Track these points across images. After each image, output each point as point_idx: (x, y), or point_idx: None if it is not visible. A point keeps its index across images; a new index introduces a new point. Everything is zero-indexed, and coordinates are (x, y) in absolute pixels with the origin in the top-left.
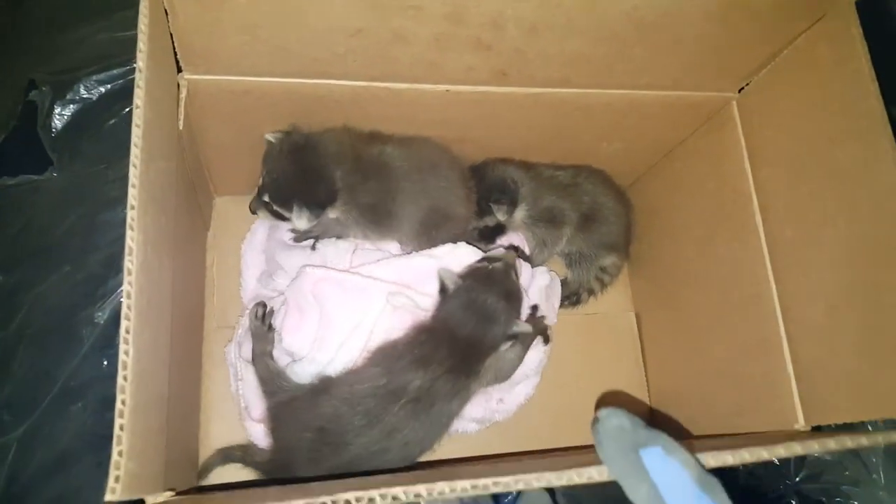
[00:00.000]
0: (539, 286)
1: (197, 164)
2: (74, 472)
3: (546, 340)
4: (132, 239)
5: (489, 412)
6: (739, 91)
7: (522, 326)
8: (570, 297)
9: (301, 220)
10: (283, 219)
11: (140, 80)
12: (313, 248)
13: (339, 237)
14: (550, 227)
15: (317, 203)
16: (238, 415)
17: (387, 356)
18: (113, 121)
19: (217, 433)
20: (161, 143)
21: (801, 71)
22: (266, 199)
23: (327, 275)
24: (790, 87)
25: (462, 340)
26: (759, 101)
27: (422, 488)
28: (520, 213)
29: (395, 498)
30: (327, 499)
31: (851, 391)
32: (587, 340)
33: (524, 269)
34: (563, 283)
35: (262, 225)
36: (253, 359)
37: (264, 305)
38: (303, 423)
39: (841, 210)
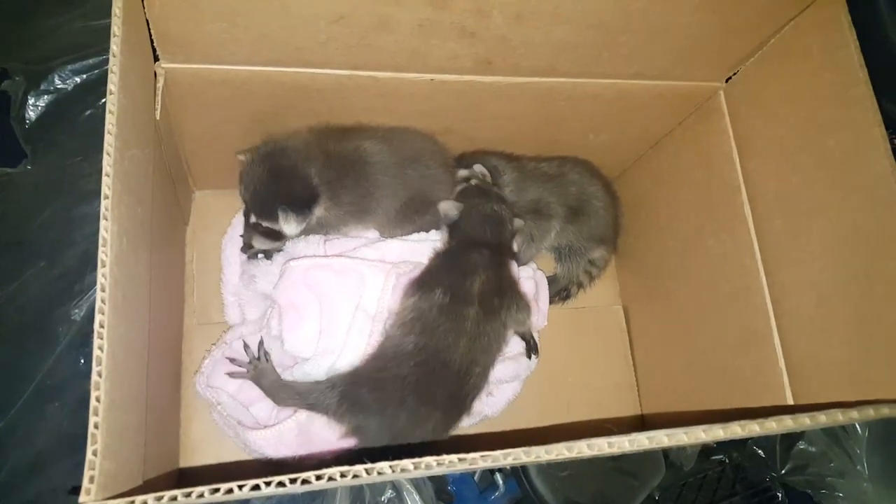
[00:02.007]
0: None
1: (175, 156)
2: (51, 474)
3: (533, 352)
4: (106, 229)
5: (479, 405)
6: (727, 81)
7: (517, 223)
8: (560, 292)
9: (290, 226)
10: (279, 238)
11: (114, 65)
12: (268, 256)
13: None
14: (537, 219)
15: (301, 203)
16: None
17: (434, 280)
18: (89, 112)
19: (198, 431)
20: (136, 131)
21: (790, 59)
22: (253, 219)
23: (315, 262)
24: (778, 76)
25: (486, 246)
26: (746, 90)
27: (408, 463)
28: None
29: (380, 472)
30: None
31: (843, 382)
32: (575, 334)
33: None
34: (552, 279)
35: (241, 222)
36: (272, 397)
37: (260, 343)
38: (396, 374)
39: (831, 200)
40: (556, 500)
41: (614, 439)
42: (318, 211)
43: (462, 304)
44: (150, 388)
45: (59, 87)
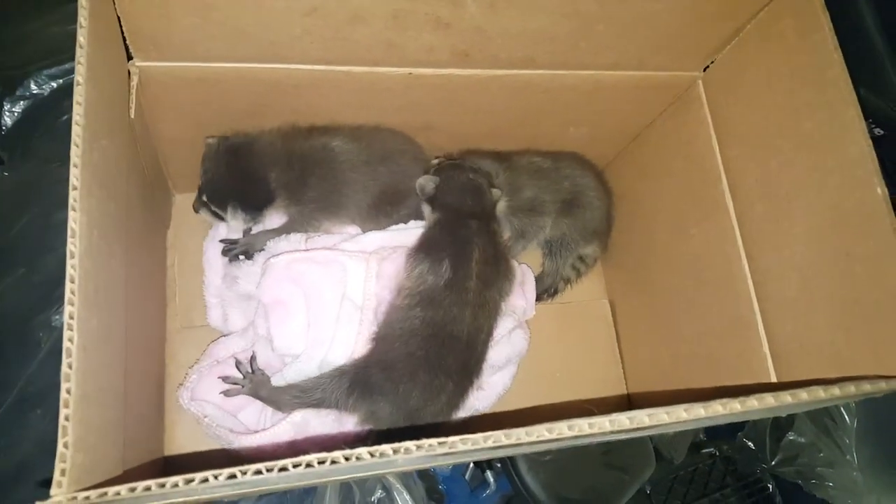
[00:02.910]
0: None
1: (153, 159)
2: (33, 482)
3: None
4: (74, 220)
5: (470, 399)
6: (704, 70)
7: (495, 192)
8: (548, 289)
9: (237, 221)
10: (222, 218)
11: (81, 56)
12: (249, 256)
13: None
14: (531, 216)
15: (253, 205)
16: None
17: (430, 256)
18: (65, 117)
19: (182, 436)
20: (108, 125)
21: (765, 45)
22: (204, 198)
23: (296, 256)
24: (755, 63)
25: (472, 216)
26: (724, 78)
27: (387, 448)
28: (500, 206)
29: (358, 458)
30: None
31: (826, 364)
32: (562, 329)
33: None
34: (539, 277)
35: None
36: (273, 404)
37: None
38: (405, 352)
39: (810, 182)
40: (547, 496)
41: (595, 420)
42: (275, 210)
43: (464, 277)
44: (130, 389)
45: (35, 92)
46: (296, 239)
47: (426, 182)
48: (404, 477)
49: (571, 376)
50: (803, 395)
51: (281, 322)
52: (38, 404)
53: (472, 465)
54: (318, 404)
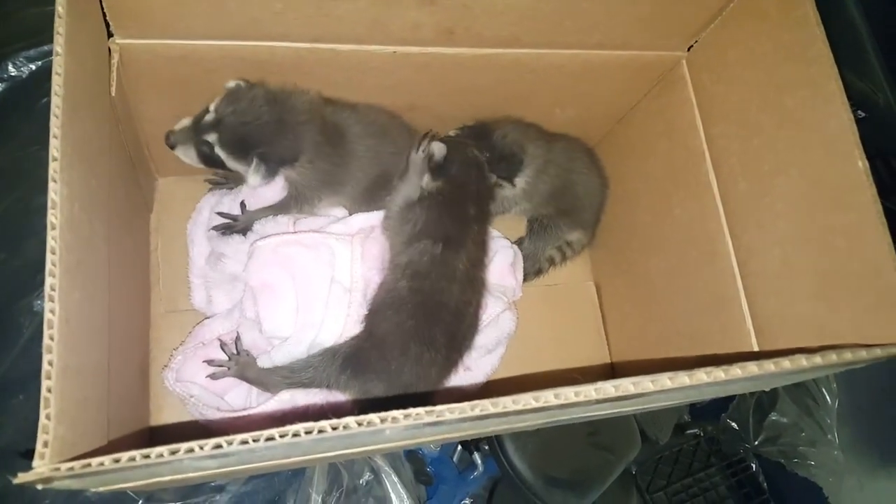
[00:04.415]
0: (503, 265)
1: (136, 141)
2: (17, 468)
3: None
4: (55, 192)
5: (457, 381)
6: (688, 50)
7: (491, 176)
8: (533, 267)
9: (255, 177)
10: (214, 165)
11: (60, 26)
12: (244, 233)
13: (274, 215)
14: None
15: (277, 160)
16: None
17: (421, 233)
18: (45, 100)
19: (168, 421)
20: (88, 98)
21: (748, 23)
22: (209, 139)
23: (283, 239)
24: (738, 41)
25: (475, 193)
26: (707, 57)
27: (374, 417)
28: (519, 185)
29: (345, 427)
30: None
31: (809, 337)
32: (548, 312)
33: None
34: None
35: (207, 203)
36: (261, 385)
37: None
38: (395, 322)
39: (792, 158)
40: (534, 476)
41: (581, 388)
42: (289, 172)
43: (453, 257)
44: (115, 369)
45: (13, 74)
46: (283, 221)
47: (439, 148)
48: (392, 459)
49: (558, 358)
50: (786, 363)
51: (270, 305)
52: (21, 390)
53: (459, 447)
54: (307, 384)
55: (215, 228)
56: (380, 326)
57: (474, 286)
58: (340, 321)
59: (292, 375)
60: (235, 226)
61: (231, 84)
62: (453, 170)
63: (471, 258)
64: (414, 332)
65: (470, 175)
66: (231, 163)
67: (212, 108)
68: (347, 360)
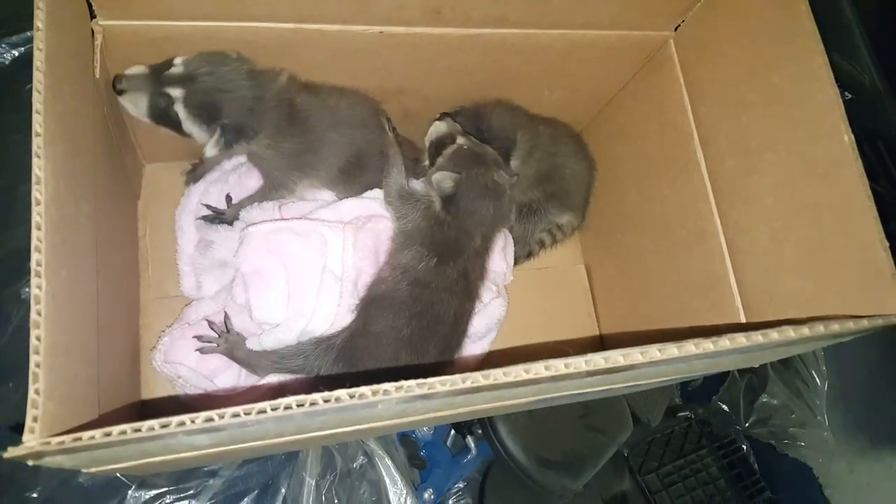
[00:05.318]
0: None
1: (122, 127)
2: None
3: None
4: (39, 168)
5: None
6: (676, 29)
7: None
8: (524, 250)
9: (213, 147)
10: (162, 122)
11: (40, 1)
12: (230, 223)
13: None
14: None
15: (238, 132)
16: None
17: (417, 240)
18: (28, 86)
19: (160, 407)
20: (71, 77)
21: (734, 0)
22: (173, 93)
23: (275, 226)
24: (724, 18)
25: (486, 226)
26: (695, 36)
27: (366, 390)
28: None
29: (337, 400)
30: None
31: (797, 312)
32: (539, 295)
33: None
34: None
35: (196, 188)
36: (249, 367)
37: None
38: (391, 325)
39: (779, 134)
40: (527, 458)
41: (571, 360)
42: (249, 147)
43: (452, 270)
44: (104, 352)
45: None
46: (269, 207)
47: (443, 179)
48: (386, 443)
49: (548, 339)
50: (774, 335)
51: (260, 293)
52: (9, 377)
53: (453, 431)
54: (297, 371)
55: (203, 219)
56: (376, 323)
57: (471, 294)
58: (332, 311)
59: (282, 361)
60: (223, 218)
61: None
62: (467, 204)
63: (471, 270)
64: (408, 342)
65: (488, 208)
66: (189, 125)
67: (179, 60)
68: (342, 353)
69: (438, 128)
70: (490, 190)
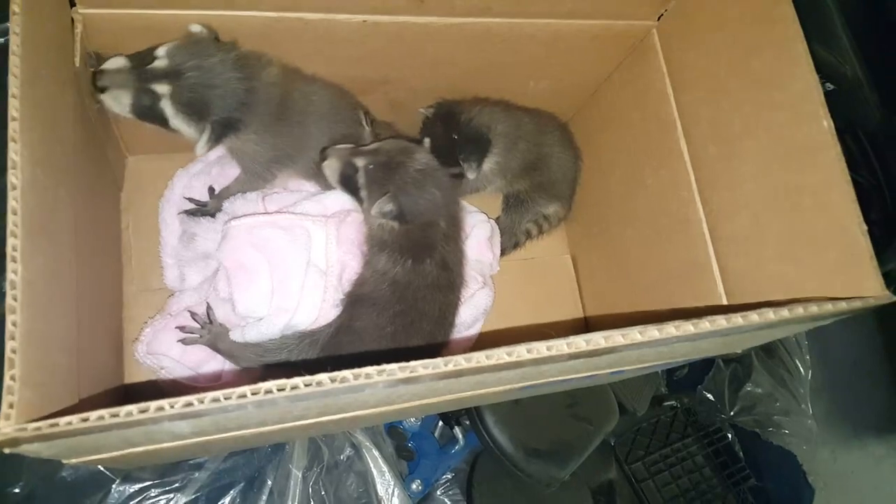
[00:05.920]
0: (481, 239)
1: (104, 118)
2: None
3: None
4: (16, 152)
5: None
6: (658, 19)
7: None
8: (510, 241)
9: (202, 145)
10: (148, 119)
11: None
12: (213, 216)
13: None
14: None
15: (228, 127)
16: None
17: (394, 254)
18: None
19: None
20: (49, 63)
21: None
22: (159, 90)
23: (258, 220)
24: (706, 7)
25: (443, 207)
26: (677, 25)
27: (348, 373)
28: (488, 165)
29: (319, 384)
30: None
31: (778, 296)
32: (526, 285)
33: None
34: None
35: (179, 180)
36: (232, 358)
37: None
38: (375, 323)
39: (760, 119)
40: (514, 448)
41: (553, 343)
42: (233, 142)
43: (428, 266)
44: (85, 342)
45: None
46: (252, 198)
47: (381, 206)
48: (373, 434)
49: (534, 328)
50: (754, 316)
51: (243, 287)
52: None
53: (440, 422)
54: (280, 364)
55: (185, 213)
56: (360, 320)
57: (454, 284)
58: (316, 305)
59: (266, 354)
60: (205, 210)
61: (196, 28)
62: (412, 208)
63: (449, 257)
64: (391, 340)
65: (436, 209)
66: (177, 122)
67: (161, 52)
68: (325, 349)
69: (331, 166)
70: (421, 178)
